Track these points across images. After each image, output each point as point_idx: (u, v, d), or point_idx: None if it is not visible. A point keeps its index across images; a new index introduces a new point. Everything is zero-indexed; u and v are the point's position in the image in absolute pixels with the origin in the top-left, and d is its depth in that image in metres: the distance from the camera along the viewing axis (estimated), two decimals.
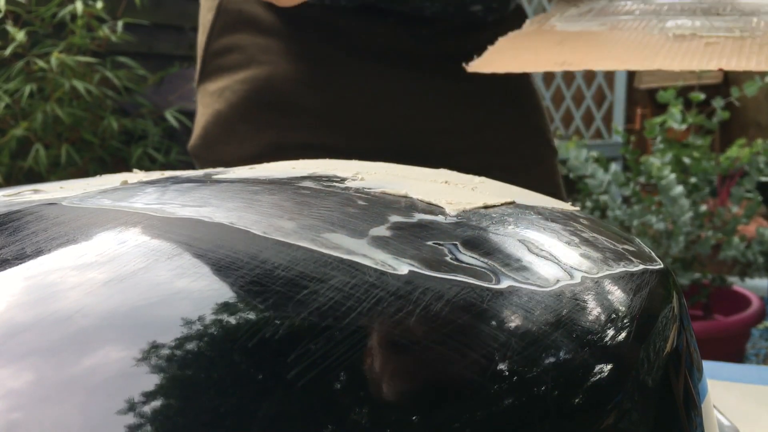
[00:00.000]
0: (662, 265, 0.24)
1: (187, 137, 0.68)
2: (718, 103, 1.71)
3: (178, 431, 0.13)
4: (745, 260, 1.71)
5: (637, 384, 0.18)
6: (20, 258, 0.19)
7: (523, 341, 0.17)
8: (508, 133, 0.63)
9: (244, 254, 0.18)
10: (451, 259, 0.19)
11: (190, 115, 1.11)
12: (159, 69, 2.04)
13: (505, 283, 0.18)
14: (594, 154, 1.83)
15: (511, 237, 0.22)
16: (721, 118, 1.72)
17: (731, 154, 1.79)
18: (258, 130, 0.58)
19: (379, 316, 0.16)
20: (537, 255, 0.21)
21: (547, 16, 0.51)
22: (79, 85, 1.70)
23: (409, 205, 0.23)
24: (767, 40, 0.41)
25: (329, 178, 0.26)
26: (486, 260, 0.19)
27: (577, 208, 0.28)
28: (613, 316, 0.19)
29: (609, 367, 0.17)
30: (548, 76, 3.09)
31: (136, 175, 0.31)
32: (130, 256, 0.18)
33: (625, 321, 0.19)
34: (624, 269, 0.22)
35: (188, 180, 0.27)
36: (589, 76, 3.02)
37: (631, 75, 2.96)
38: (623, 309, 0.20)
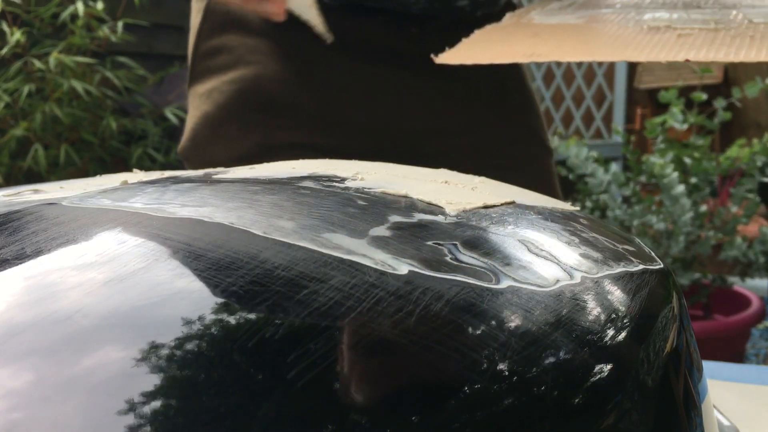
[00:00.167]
0: (662, 265, 0.24)
1: None
2: (720, 103, 1.71)
3: (178, 431, 0.13)
4: (747, 260, 1.71)
5: (637, 384, 0.18)
6: (20, 258, 0.19)
7: (523, 341, 0.17)
8: (500, 133, 0.63)
9: (244, 254, 0.18)
10: (451, 259, 0.19)
11: None
12: (159, 69, 2.03)
13: (505, 283, 0.18)
14: (594, 153, 1.83)
15: (511, 237, 0.22)
16: (722, 118, 1.72)
17: (731, 154, 1.79)
18: (246, 131, 0.58)
19: (379, 316, 0.16)
20: (537, 255, 0.21)
21: (528, 9, 0.51)
22: (78, 86, 1.70)
23: (409, 205, 0.23)
24: (741, 32, 0.40)
25: (329, 178, 0.26)
26: (486, 260, 0.19)
27: (577, 208, 0.28)
28: (613, 316, 0.19)
29: (609, 367, 0.17)
30: (548, 76, 3.09)
31: (136, 175, 0.31)
32: (130, 256, 0.18)
33: (624, 321, 0.19)
34: (624, 269, 0.22)
35: (188, 180, 0.27)
36: (589, 76, 3.02)
37: (631, 75, 2.96)
38: (623, 309, 0.20)
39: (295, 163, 0.31)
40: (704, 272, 1.73)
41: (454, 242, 0.20)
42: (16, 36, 1.69)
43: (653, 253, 0.25)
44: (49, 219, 0.21)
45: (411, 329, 0.16)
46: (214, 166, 0.36)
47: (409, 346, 0.16)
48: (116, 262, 0.18)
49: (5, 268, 0.18)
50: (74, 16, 1.75)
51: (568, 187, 1.99)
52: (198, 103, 0.61)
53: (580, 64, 3.03)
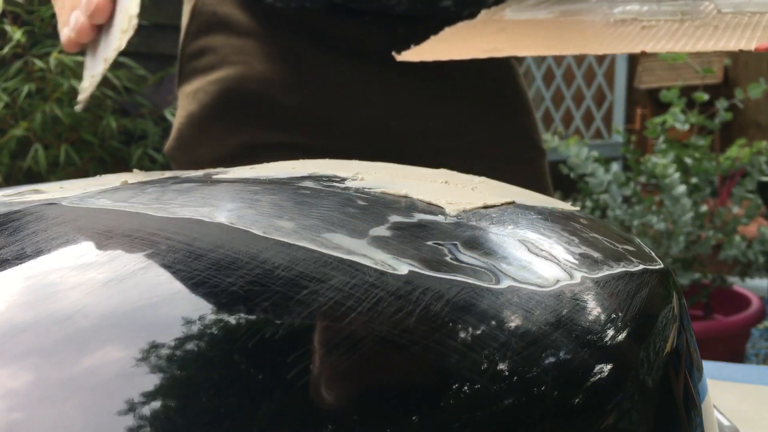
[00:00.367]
0: (662, 265, 0.24)
1: None
2: (721, 104, 1.71)
3: (178, 431, 0.13)
4: (746, 260, 1.71)
5: (637, 384, 0.18)
6: (20, 258, 0.19)
7: (523, 341, 0.17)
8: (491, 135, 0.62)
9: (244, 254, 0.18)
10: (451, 259, 0.19)
11: None
12: (159, 69, 2.03)
13: (505, 283, 0.18)
14: (595, 153, 1.83)
15: (511, 237, 0.22)
16: (723, 118, 1.72)
17: (731, 154, 1.79)
18: (230, 130, 0.58)
19: (379, 316, 0.16)
20: (537, 255, 0.21)
21: (504, 6, 0.51)
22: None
23: (409, 205, 0.23)
24: (706, 22, 0.40)
25: (329, 178, 0.26)
26: (486, 260, 0.19)
27: (577, 208, 0.28)
28: (613, 316, 0.19)
29: (609, 367, 0.17)
30: (548, 76, 3.09)
31: (136, 175, 0.31)
32: (130, 256, 0.18)
33: (624, 321, 0.19)
34: (624, 269, 0.22)
35: (188, 180, 0.27)
36: (589, 76, 3.02)
37: (631, 75, 2.96)
38: (623, 309, 0.20)
39: (295, 163, 0.31)
40: (704, 272, 1.73)
41: (454, 242, 0.20)
42: (17, 35, 1.69)
43: (653, 253, 0.25)
44: (49, 219, 0.21)
45: (411, 329, 0.16)
46: (199, 166, 0.36)
47: (409, 346, 0.16)
48: (116, 262, 0.18)
49: (5, 268, 0.18)
50: None
51: (569, 186, 1.99)
52: (184, 103, 0.61)
53: (580, 64, 3.03)
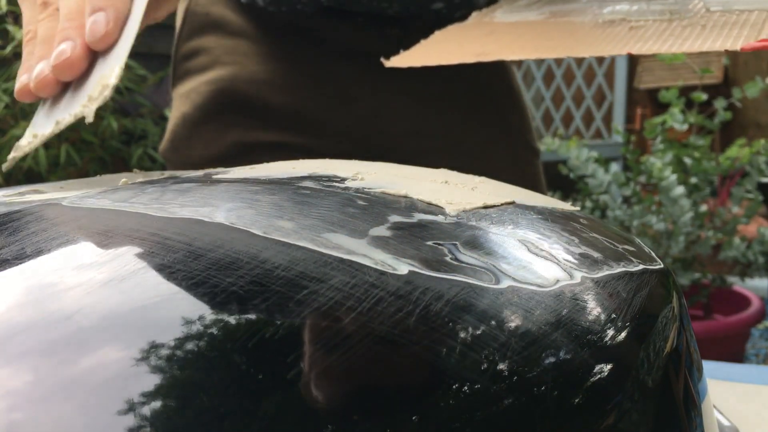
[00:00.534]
0: (662, 265, 0.24)
1: None
2: (720, 103, 1.71)
3: (178, 431, 0.13)
4: (746, 260, 1.71)
5: (637, 384, 0.18)
6: (20, 258, 0.19)
7: (523, 341, 0.17)
8: (484, 135, 0.62)
9: (244, 254, 0.18)
10: (451, 259, 0.19)
11: None
12: (159, 69, 2.03)
13: (505, 283, 0.18)
14: (594, 154, 1.83)
15: (511, 237, 0.22)
16: (723, 118, 1.72)
17: (731, 154, 1.79)
18: (223, 131, 0.58)
19: (379, 316, 0.16)
20: (537, 255, 0.21)
21: (495, 7, 0.50)
22: None
23: (409, 205, 0.23)
24: (694, 21, 0.40)
25: (329, 178, 0.26)
26: (486, 260, 0.19)
27: (577, 208, 0.28)
28: (613, 316, 0.19)
29: (609, 367, 0.17)
30: (548, 76, 3.09)
31: (136, 175, 0.31)
32: (130, 256, 0.18)
33: (624, 321, 0.19)
34: (624, 269, 0.22)
35: (188, 180, 0.27)
36: (589, 76, 3.02)
37: (631, 75, 2.96)
38: (623, 309, 0.20)
39: (295, 163, 0.31)
40: (704, 272, 1.73)
41: (454, 242, 0.20)
42: (20, 35, 1.70)
43: (653, 253, 0.25)
44: (49, 219, 0.21)
45: (411, 329, 0.16)
46: (193, 166, 0.36)
47: (409, 346, 0.16)
48: (116, 262, 0.18)
49: (5, 268, 0.18)
50: None
51: (569, 186, 1.99)
52: (178, 104, 0.61)
53: (580, 64, 3.03)
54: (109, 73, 0.33)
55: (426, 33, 0.59)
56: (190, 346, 0.15)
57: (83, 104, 0.32)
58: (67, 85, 0.35)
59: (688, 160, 1.71)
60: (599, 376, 0.17)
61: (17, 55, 1.76)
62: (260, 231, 0.19)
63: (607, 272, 0.21)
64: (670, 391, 0.20)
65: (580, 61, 3.01)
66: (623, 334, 0.19)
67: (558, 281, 0.19)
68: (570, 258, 0.21)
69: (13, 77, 1.76)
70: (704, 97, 1.70)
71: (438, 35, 0.45)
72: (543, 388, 0.16)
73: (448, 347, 0.16)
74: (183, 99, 0.60)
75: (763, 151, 1.69)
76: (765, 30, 0.37)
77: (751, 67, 2.71)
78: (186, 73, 0.61)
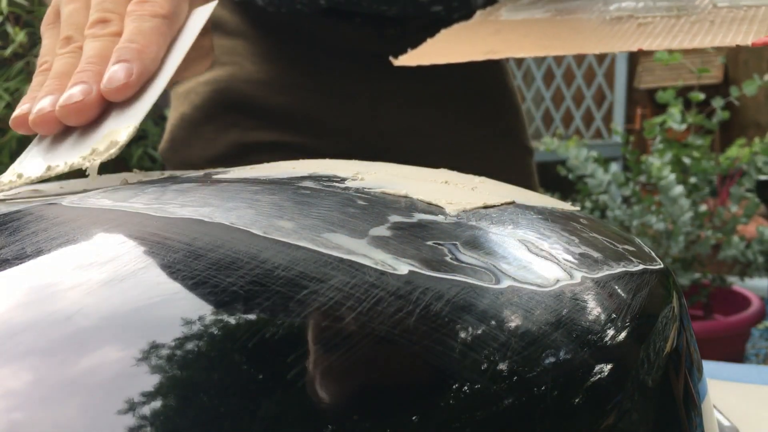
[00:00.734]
0: (662, 265, 0.24)
1: None
2: (717, 103, 1.71)
3: (178, 431, 0.13)
4: (745, 260, 1.71)
5: (637, 384, 0.18)
6: (20, 258, 0.19)
7: (523, 341, 0.17)
8: (478, 134, 0.63)
9: (244, 254, 0.18)
10: (451, 259, 0.19)
11: None
12: None
13: (505, 283, 0.18)
14: (594, 153, 1.83)
15: (511, 237, 0.22)
16: (721, 118, 1.72)
17: (731, 154, 1.79)
18: (221, 131, 0.59)
19: (379, 316, 0.16)
20: (537, 255, 0.21)
21: (499, 5, 0.50)
22: None
23: (409, 205, 0.23)
24: (702, 17, 0.40)
25: (329, 178, 0.26)
26: (486, 260, 0.19)
27: (577, 208, 0.28)
28: (613, 316, 0.19)
29: (609, 367, 0.17)
30: (548, 76, 3.09)
31: (136, 175, 0.31)
32: (130, 256, 0.18)
33: (625, 321, 0.19)
34: (624, 269, 0.22)
35: (188, 180, 0.27)
36: (589, 76, 3.02)
37: (631, 75, 2.96)
38: (623, 309, 0.20)
39: (295, 163, 0.31)
40: (704, 272, 1.73)
41: (454, 242, 0.20)
42: (20, 36, 1.70)
43: (653, 253, 0.25)
44: (49, 219, 0.21)
45: (411, 329, 0.16)
46: (192, 166, 0.36)
47: (409, 346, 0.16)
48: (116, 262, 0.18)
49: (5, 268, 0.18)
50: None
51: (568, 187, 1.99)
52: (176, 104, 0.61)
53: (580, 64, 3.03)
54: (122, 129, 0.30)
55: (424, 32, 0.59)
56: (190, 346, 0.15)
57: (85, 156, 0.29)
58: (69, 127, 0.32)
59: (687, 160, 1.71)
60: (599, 376, 0.17)
61: (17, 56, 1.76)
62: (260, 231, 0.19)
63: (607, 272, 0.21)
64: (670, 391, 0.20)
65: (580, 61, 3.01)
66: (623, 334, 0.19)
67: (558, 281, 0.19)
68: (570, 258, 0.21)
69: (13, 77, 1.76)
70: (702, 96, 1.70)
71: (444, 34, 0.45)
72: (543, 388, 0.16)
73: (448, 347, 0.16)
74: (182, 99, 0.60)
75: (760, 150, 1.69)
76: None
77: (751, 67, 2.71)
78: None
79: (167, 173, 0.31)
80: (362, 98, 0.59)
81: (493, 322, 0.17)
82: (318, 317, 0.16)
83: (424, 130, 0.61)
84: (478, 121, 0.63)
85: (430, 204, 0.23)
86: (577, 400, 0.16)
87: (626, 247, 0.24)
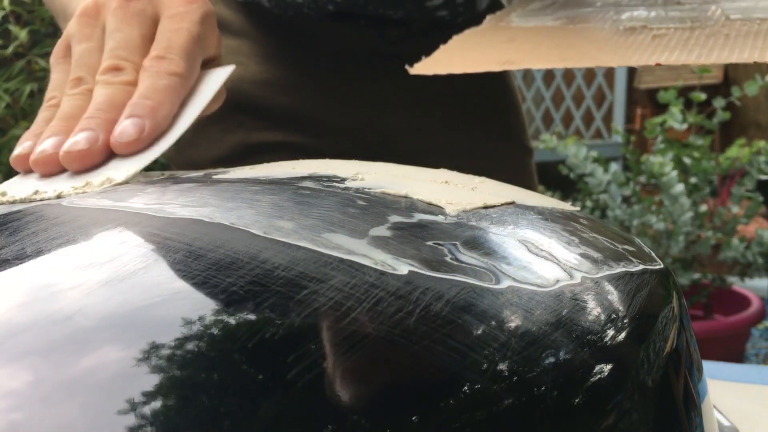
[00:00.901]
0: (662, 265, 0.24)
1: None
2: (718, 103, 1.71)
3: (178, 431, 0.13)
4: (745, 261, 1.71)
5: (637, 384, 0.18)
6: (20, 258, 0.19)
7: (522, 341, 0.17)
8: (478, 134, 0.63)
9: (244, 254, 0.18)
10: (451, 259, 0.19)
11: None
12: None
13: (505, 283, 0.18)
14: (594, 153, 1.83)
15: (510, 237, 0.22)
16: (722, 118, 1.72)
17: (731, 154, 1.79)
18: (227, 131, 0.59)
19: (379, 316, 0.16)
20: (537, 255, 0.21)
21: (509, 10, 0.50)
22: None
23: (409, 205, 0.23)
24: (716, 30, 0.40)
25: (329, 179, 0.26)
26: (486, 260, 0.19)
27: (577, 208, 0.28)
28: (613, 316, 0.19)
29: (609, 367, 0.17)
30: (548, 76, 3.09)
31: (137, 175, 0.31)
32: (130, 256, 0.18)
33: (625, 321, 0.19)
34: (624, 269, 0.22)
35: (188, 180, 0.27)
36: (589, 76, 3.02)
37: (631, 75, 2.96)
38: (623, 309, 0.20)
39: (295, 163, 0.31)
40: (704, 272, 1.73)
41: (454, 242, 0.20)
42: (22, 35, 1.70)
43: (653, 253, 0.25)
44: (49, 219, 0.21)
45: (411, 329, 0.16)
46: (197, 167, 0.35)
47: (410, 346, 0.16)
48: (116, 262, 0.18)
49: (5, 268, 0.18)
50: None
51: (568, 186, 1.99)
52: None
53: None
54: (122, 173, 0.29)
55: (427, 33, 0.59)
56: (190, 346, 0.15)
57: (77, 187, 0.28)
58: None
59: (687, 160, 1.71)
60: (599, 376, 0.17)
61: (18, 55, 1.76)
62: (260, 231, 0.19)
63: (607, 272, 0.21)
64: (670, 391, 0.20)
65: None
66: (623, 334, 0.19)
67: (558, 281, 0.19)
68: (570, 258, 0.21)
69: (14, 77, 1.76)
70: (703, 96, 1.71)
71: (457, 41, 0.45)
72: (543, 388, 0.16)
73: (448, 347, 0.16)
74: None
75: (762, 151, 1.69)
76: None
77: (751, 67, 2.71)
78: None
79: (167, 173, 0.31)
80: (365, 99, 0.59)
81: (493, 322, 0.17)
82: (318, 317, 0.16)
83: (426, 130, 0.61)
84: (481, 121, 0.63)
85: (430, 204, 0.23)
86: (577, 401, 0.16)
87: (626, 247, 0.24)
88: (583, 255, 0.22)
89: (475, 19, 0.52)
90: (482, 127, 0.63)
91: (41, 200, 0.26)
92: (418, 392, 0.15)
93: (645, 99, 2.93)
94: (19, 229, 0.21)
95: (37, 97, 1.77)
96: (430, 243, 0.20)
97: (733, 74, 2.75)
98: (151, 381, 0.14)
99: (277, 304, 0.16)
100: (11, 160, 0.32)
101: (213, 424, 0.13)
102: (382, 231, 0.20)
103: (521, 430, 0.15)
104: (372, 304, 0.16)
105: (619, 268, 0.22)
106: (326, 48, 0.58)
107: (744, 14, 0.41)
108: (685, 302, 0.24)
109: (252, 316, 0.16)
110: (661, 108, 1.90)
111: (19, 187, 0.30)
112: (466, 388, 0.15)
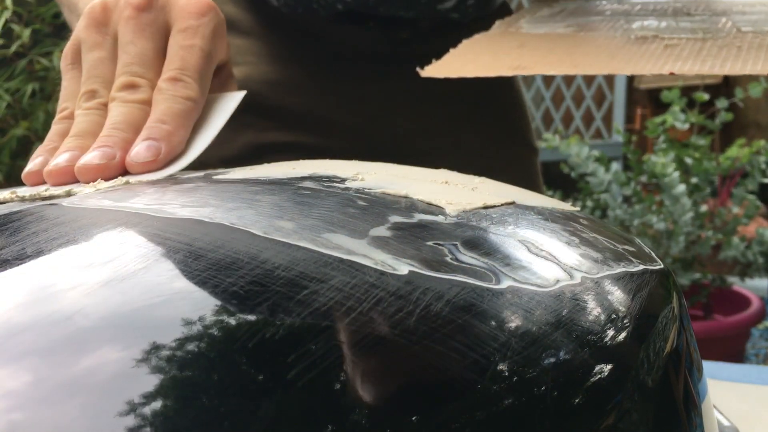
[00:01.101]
0: (662, 266, 0.24)
1: None
2: (722, 103, 1.71)
3: (178, 431, 0.13)
4: (745, 260, 1.71)
5: (637, 384, 0.18)
6: (20, 258, 0.19)
7: (523, 341, 0.17)
8: (484, 134, 0.63)
9: (244, 254, 0.18)
10: (451, 259, 0.19)
11: None
12: None
13: (505, 283, 0.18)
14: (596, 153, 1.83)
15: (511, 237, 0.22)
16: (723, 119, 1.72)
17: (731, 154, 1.79)
18: (237, 131, 0.59)
19: (379, 316, 0.16)
20: (537, 255, 0.21)
21: (518, 16, 0.50)
22: None
23: (409, 206, 0.23)
24: (728, 41, 0.40)
25: (329, 179, 0.26)
26: (486, 260, 0.19)
27: (577, 208, 0.28)
28: (613, 316, 0.19)
29: (609, 367, 0.17)
30: (548, 77, 3.09)
31: (137, 175, 0.31)
32: (130, 256, 0.18)
33: (624, 321, 0.19)
34: (624, 269, 0.22)
35: (188, 180, 0.27)
36: (589, 76, 3.02)
37: (631, 75, 2.95)
38: (623, 309, 0.20)
39: (296, 163, 0.31)
40: (704, 272, 1.73)
41: (454, 242, 0.20)
42: (26, 34, 1.70)
43: (653, 253, 0.25)
44: (49, 219, 0.21)
45: (411, 329, 0.16)
46: (207, 167, 0.35)
47: (410, 346, 0.16)
48: (116, 262, 0.18)
49: (5, 269, 0.18)
50: None
51: (569, 185, 1.99)
52: None
53: None
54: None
55: (435, 33, 0.59)
56: (190, 346, 0.15)
57: (87, 186, 0.28)
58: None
59: (688, 160, 1.71)
60: (599, 376, 0.17)
61: (19, 55, 1.76)
62: (260, 231, 0.19)
63: (607, 272, 0.21)
64: (670, 391, 0.20)
65: None
66: (623, 334, 0.19)
67: (558, 281, 0.19)
68: (570, 258, 0.21)
69: (15, 76, 1.76)
70: (706, 97, 1.71)
71: (467, 45, 0.45)
72: (543, 388, 0.16)
73: (449, 347, 0.16)
74: None
75: (763, 152, 1.69)
76: None
77: None
78: None
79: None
80: (374, 98, 0.59)
81: (493, 323, 0.17)
82: (318, 317, 0.16)
83: (434, 130, 0.61)
84: (485, 120, 0.63)
85: (430, 204, 0.23)
86: (577, 401, 0.16)
87: (626, 247, 0.24)
88: (583, 255, 0.22)
89: (485, 22, 0.52)
90: (489, 127, 0.63)
91: (50, 196, 0.26)
92: (418, 392, 0.15)
93: (645, 99, 2.93)
94: (20, 229, 0.21)
95: (38, 97, 1.77)
96: (430, 243, 0.20)
97: (732, 75, 2.75)
98: (151, 381, 0.14)
99: (278, 304, 0.16)
100: (23, 176, 0.32)
101: (213, 424, 0.13)
102: (382, 231, 0.20)
103: (521, 430, 0.15)
104: (372, 305, 0.16)
105: (619, 268, 0.22)
106: (335, 48, 0.59)
107: (755, 27, 0.42)
108: (685, 302, 0.24)
109: (252, 317, 0.16)
110: (662, 108, 1.91)
111: (28, 190, 0.29)
112: (466, 388, 0.15)
